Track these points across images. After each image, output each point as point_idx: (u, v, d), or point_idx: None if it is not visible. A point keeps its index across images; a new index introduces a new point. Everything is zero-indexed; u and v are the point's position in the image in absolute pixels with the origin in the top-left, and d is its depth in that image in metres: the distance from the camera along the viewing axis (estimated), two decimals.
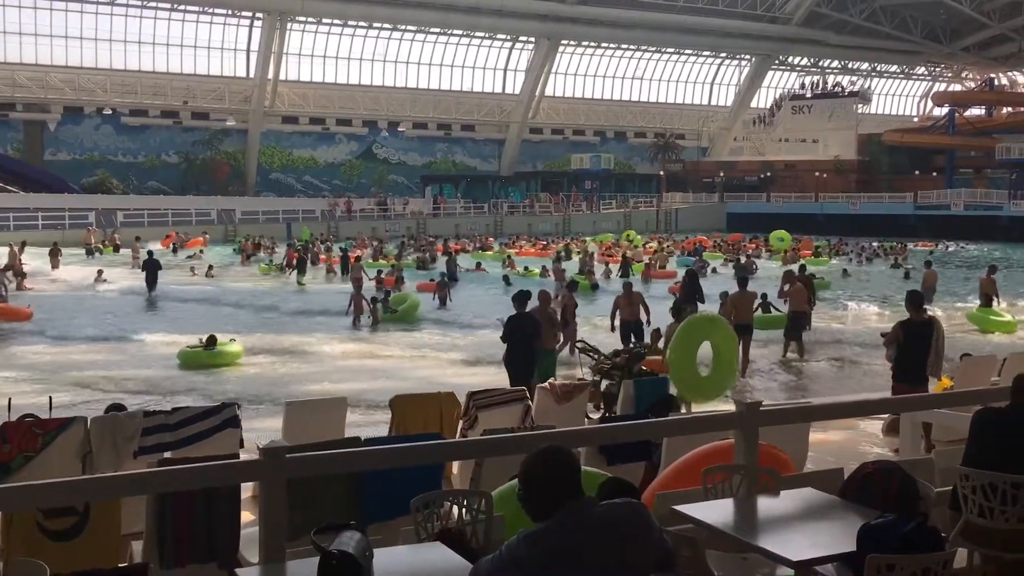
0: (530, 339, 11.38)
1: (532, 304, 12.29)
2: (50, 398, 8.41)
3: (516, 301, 11.92)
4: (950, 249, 49.45)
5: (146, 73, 64.22)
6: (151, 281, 27.89)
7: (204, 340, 16.71)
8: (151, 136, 65.63)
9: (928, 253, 47.20)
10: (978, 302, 22.30)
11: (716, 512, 4.29)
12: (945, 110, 77.27)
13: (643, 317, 16.13)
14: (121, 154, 64.74)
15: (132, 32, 63.13)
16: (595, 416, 9.68)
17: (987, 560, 4.72)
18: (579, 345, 12.40)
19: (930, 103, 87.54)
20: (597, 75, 79.60)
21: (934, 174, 74.20)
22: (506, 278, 30.65)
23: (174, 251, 41.99)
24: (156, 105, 64.69)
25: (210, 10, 63.83)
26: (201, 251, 41.71)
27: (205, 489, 4.85)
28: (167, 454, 6.57)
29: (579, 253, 37.40)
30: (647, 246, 44.71)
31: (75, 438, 6.51)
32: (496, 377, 14.04)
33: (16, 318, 21.32)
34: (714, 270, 34.58)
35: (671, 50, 78.96)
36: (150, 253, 30.27)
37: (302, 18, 65.99)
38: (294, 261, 33.78)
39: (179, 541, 4.96)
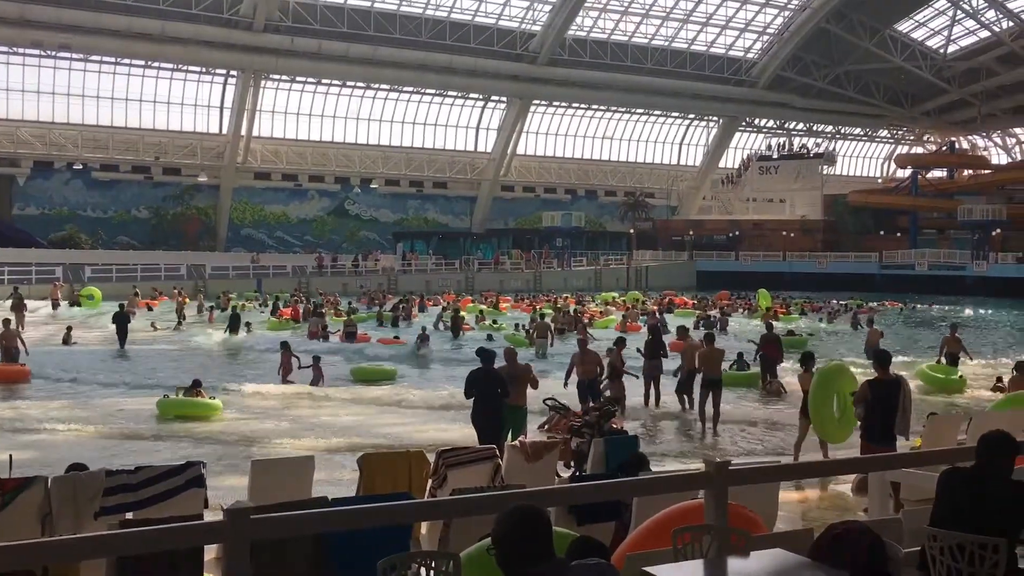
0: (492, 395, 11.34)
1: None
2: (10, 456, 8.22)
3: (480, 356, 11.97)
4: (917, 308, 50.11)
5: (118, 128, 64.23)
6: (122, 335, 27.91)
7: (187, 387, 16.70)
8: (121, 191, 65.40)
9: (899, 311, 47.98)
10: (939, 359, 22.50)
11: (686, 573, 4.26)
12: (908, 172, 79.02)
13: (599, 376, 15.91)
14: (91, 209, 64.39)
15: (105, 88, 63.27)
16: (566, 474, 9.62)
17: None
18: (548, 403, 12.33)
19: (893, 165, 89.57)
20: (568, 134, 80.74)
21: (898, 234, 75.57)
22: (489, 336, 30.59)
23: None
24: (127, 160, 64.59)
25: (184, 67, 64.18)
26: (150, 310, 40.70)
27: (167, 551, 4.75)
28: (129, 515, 6.43)
29: (556, 310, 37.33)
30: (619, 301, 45.14)
31: (35, 499, 6.35)
32: (460, 433, 13.99)
33: (18, 378, 20.78)
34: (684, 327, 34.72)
35: (641, 111, 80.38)
36: (121, 307, 30.09)
37: (276, 76, 66.52)
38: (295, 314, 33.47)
39: None
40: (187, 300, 39.67)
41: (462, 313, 35.85)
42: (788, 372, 20.12)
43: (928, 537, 4.67)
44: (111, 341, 28.56)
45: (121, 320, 28.37)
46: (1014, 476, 4.85)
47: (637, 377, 17.67)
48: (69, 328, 29.43)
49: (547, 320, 30.64)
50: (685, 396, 17.38)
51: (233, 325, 31.55)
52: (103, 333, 30.69)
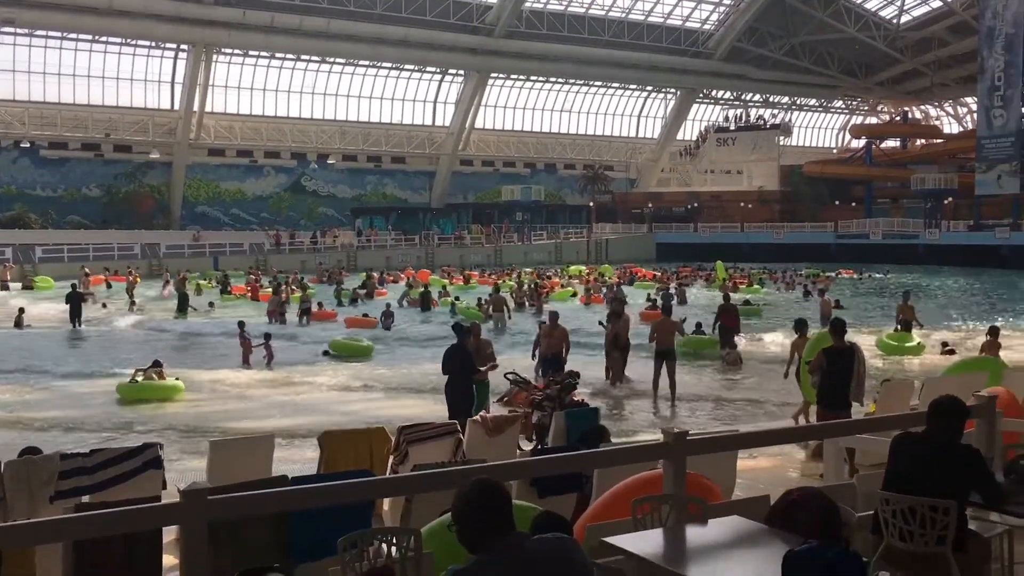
0: (466, 371, 11.45)
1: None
2: None
3: (455, 331, 12.26)
4: (876, 276, 50.91)
5: (66, 105, 62.71)
6: (75, 314, 27.93)
7: (146, 368, 16.55)
8: (71, 169, 64.01)
9: (855, 279, 48.77)
10: (896, 327, 22.93)
11: (645, 543, 4.31)
12: (862, 142, 79.97)
13: (563, 352, 15.74)
14: (40, 188, 62.96)
15: (52, 63, 61.67)
16: (527, 447, 9.68)
17: None
18: (509, 376, 12.37)
19: (848, 135, 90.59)
20: (527, 108, 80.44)
21: (853, 204, 76.56)
22: (452, 309, 30.55)
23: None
24: (76, 138, 63.17)
25: (133, 42, 62.79)
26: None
27: (125, 534, 4.70)
28: (85, 498, 6.35)
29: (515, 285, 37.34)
30: (585, 276, 45.49)
31: None
32: (427, 410, 13.99)
33: None
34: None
35: (598, 83, 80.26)
36: (73, 286, 29.81)
37: (228, 50, 65.37)
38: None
39: None
40: (138, 280, 39.12)
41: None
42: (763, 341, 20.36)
43: (881, 501, 4.76)
44: (65, 322, 28.21)
45: (74, 300, 28.30)
46: (963, 440, 4.96)
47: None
48: (21, 310, 28.88)
49: (503, 294, 30.62)
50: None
51: (181, 305, 31.08)
52: (57, 314, 30.20)
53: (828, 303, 27.53)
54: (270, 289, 35.24)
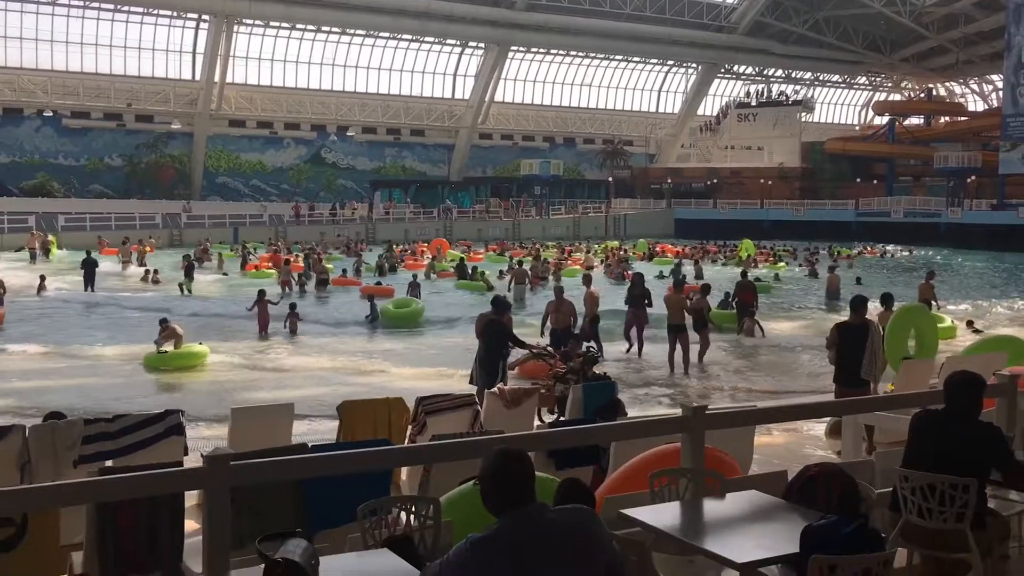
0: (498, 343, 11.72)
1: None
2: None
3: (493, 305, 12.49)
4: (901, 254, 50.52)
5: (88, 74, 62.94)
6: (89, 279, 28.84)
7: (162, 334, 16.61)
8: (93, 139, 64.33)
9: (878, 258, 48.54)
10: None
11: (663, 515, 4.33)
12: (885, 119, 79.07)
13: (572, 326, 15.82)
14: (62, 157, 63.34)
15: (74, 33, 61.85)
16: (549, 420, 9.72)
17: (926, 560, 4.82)
18: (534, 350, 12.54)
19: (871, 112, 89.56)
20: (546, 81, 79.97)
21: (875, 181, 75.87)
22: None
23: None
24: (99, 107, 63.42)
25: (155, 11, 62.79)
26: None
27: (148, 498, 4.76)
28: (108, 463, 6.44)
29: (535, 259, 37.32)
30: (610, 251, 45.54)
31: (13, 447, 6.34)
32: (446, 382, 14.06)
33: None
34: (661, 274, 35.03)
35: (619, 57, 79.62)
36: (88, 252, 30.50)
37: (249, 20, 65.26)
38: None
39: (121, 551, 4.85)
40: (151, 249, 39.50)
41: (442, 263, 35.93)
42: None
43: (900, 478, 4.76)
44: (81, 288, 28.71)
45: (89, 265, 29.07)
46: (983, 418, 4.94)
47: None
48: (42, 277, 29.16)
49: (525, 267, 30.66)
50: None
51: (188, 273, 30.70)
52: (77, 281, 30.54)
53: (836, 278, 27.58)
54: (301, 259, 35.71)
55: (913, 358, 12.03)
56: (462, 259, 35.42)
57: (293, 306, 21.05)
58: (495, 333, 11.83)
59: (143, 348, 17.23)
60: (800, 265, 41.70)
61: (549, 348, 13.09)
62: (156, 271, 33.04)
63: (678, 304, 16.36)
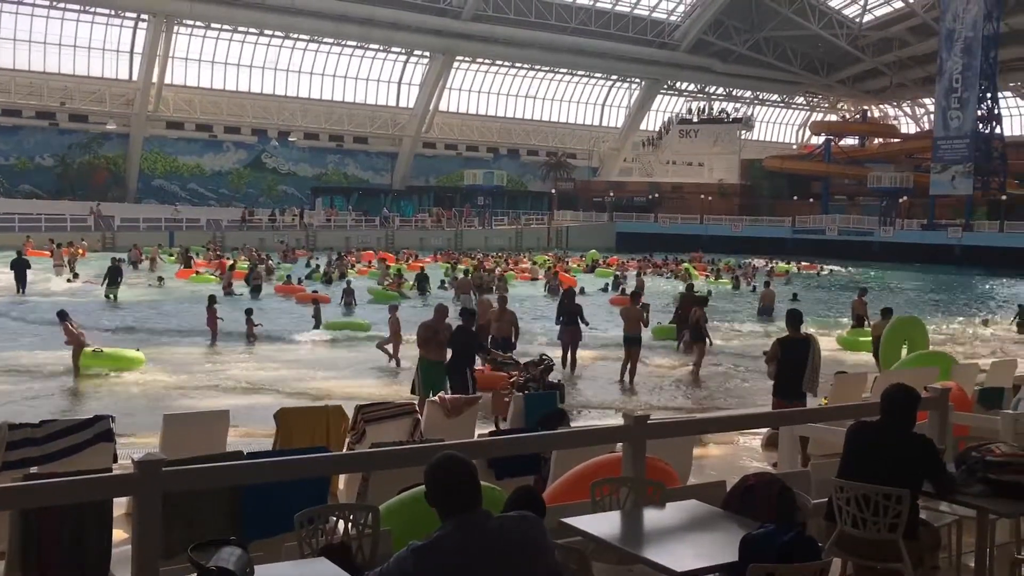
0: (468, 351, 12.11)
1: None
2: None
3: (461, 315, 12.96)
4: (832, 272, 51.65)
5: (20, 71, 61.24)
6: (20, 280, 28.19)
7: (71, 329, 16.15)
8: (25, 137, 62.58)
9: (816, 274, 49.57)
10: (850, 322, 23.30)
11: (603, 524, 4.32)
12: (822, 139, 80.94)
13: (512, 336, 15.77)
14: None
15: (7, 28, 60.21)
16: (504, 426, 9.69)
17: (859, 569, 4.89)
18: (500, 359, 12.73)
19: (808, 132, 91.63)
20: (491, 92, 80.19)
21: (811, 200, 77.54)
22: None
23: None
24: (31, 105, 61.74)
25: (92, 9, 61.42)
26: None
27: (74, 505, 4.60)
28: (34, 469, 6.22)
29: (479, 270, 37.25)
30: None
31: None
32: (390, 390, 13.93)
33: None
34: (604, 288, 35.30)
35: (564, 70, 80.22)
36: (19, 253, 29.75)
37: (189, 21, 64.24)
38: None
39: (45, 561, 4.69)
40: (84, 252, 38.55)
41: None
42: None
43: (835, 488, 4.82)
44: (11, 290, 27.86)
45: (19, 266, 28.35)
46: (916, 430, 5.03)
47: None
48: None
49: (469, 277, 30.62)
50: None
51: (112, 279, 28.75)
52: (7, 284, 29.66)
53: (771, 294, 28.06)
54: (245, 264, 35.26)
55: (846, 373, 12.28)
56: (422, 270, 35.29)
57: (249, 311, 20.75)
58: (464, 340, 12.12)
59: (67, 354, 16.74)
60: (736, 279, 42.33)
61: (511, 357, 13.19)
62: (76, 275, 32.35)
63: (635, 316, 16.41)
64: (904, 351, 14.08)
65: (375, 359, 17.96)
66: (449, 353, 12.06)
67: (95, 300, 27.72)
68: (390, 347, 17.61)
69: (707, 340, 17.81)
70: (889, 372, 11.42)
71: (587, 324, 17.69)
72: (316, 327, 22.08)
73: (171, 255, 43.18)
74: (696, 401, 15.31)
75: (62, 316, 16.39)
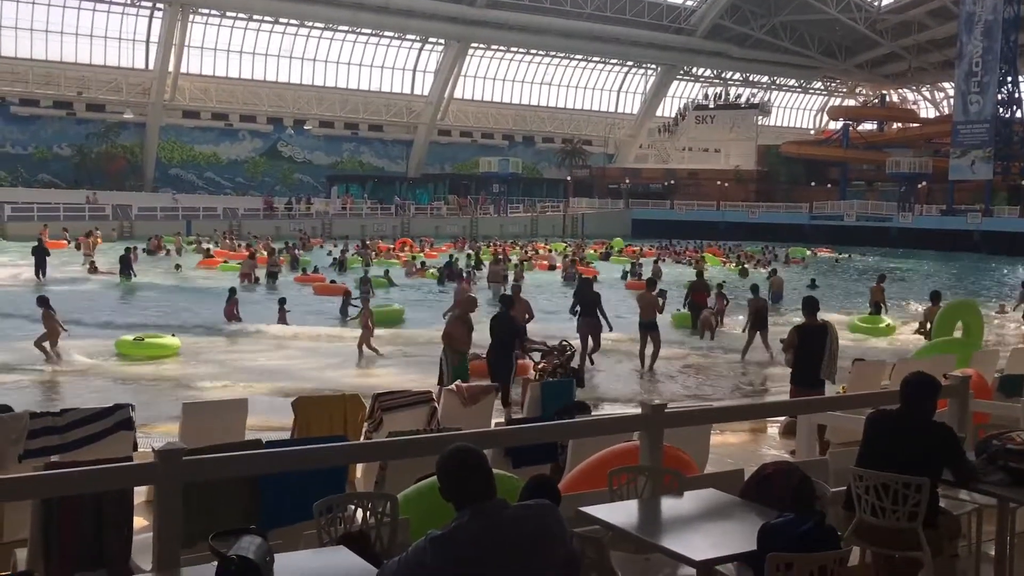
0: (507, 338, 12.05)
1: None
2: None
3: (501, 302, 13.11)
4: (851, 258, 51.36)
5: (38, 61, 61.59)
6: (40, 266, 28.81)
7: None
8: (42, 127, 62.98)
9: (834, 261, 49.29)
10: (868, 310, 23.15)
11: (621, 513, 4.32)
12: (840, 124, 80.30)
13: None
14: (10, 145, 61.94)
15: (24, 18, 60.51)
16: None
17: (878, 558, 4.87)
18: (544, 348, 12.82)
19: (826, 117, 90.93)
20: (506, 79, 80.00)
21: (829, 185, 77.04)
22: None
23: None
24: (48, 95, 62.11)
25: None
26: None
27: (95, 494, 4.64)
28: (54, 457, 6.27)
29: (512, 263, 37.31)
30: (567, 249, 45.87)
31: None
32: (407, 378, 13.96)
33: None
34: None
35: (579, 57, 79.89)
36: (39, 240, 30.32)
37: (205, 10, 64.36)
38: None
39: (66, 548, 4.73)
40: (99, 241, 38.79)
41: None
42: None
43: (854, 477, 4.79)
44: (32, 280, 28.18)
45: (39, 252, 28.92)
46: (936, 418, 5.00)
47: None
48: None
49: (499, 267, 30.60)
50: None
51: (123, 269, 29.45)
52: (21, 270, 30.04)
53: (779, 280, 27.83)
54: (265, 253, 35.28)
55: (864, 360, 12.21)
56: (451, 257, 35.34)
57: (283, 301, 20.89)
58: (507, 328, 12.19)
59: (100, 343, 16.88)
60: (754, 266, 42.12)
61: (564, 343, 13.06)
62: (95, 266, 32.62)
63: (650, 303, 16.38)
64: (958, 335, 13.27)
65: (399, 348, 17.97)
66: (489, 342, 12.18)
67: (117, 289, 28.01)
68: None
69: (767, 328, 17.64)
70: (908, 360, 11.33)
71: (607, 320, 16.35)
72: (344, 319, 20.93)
73: (190, 243, 43.44)
74: (714, 389, 15.27)
75: (43, 303, 16.09)
